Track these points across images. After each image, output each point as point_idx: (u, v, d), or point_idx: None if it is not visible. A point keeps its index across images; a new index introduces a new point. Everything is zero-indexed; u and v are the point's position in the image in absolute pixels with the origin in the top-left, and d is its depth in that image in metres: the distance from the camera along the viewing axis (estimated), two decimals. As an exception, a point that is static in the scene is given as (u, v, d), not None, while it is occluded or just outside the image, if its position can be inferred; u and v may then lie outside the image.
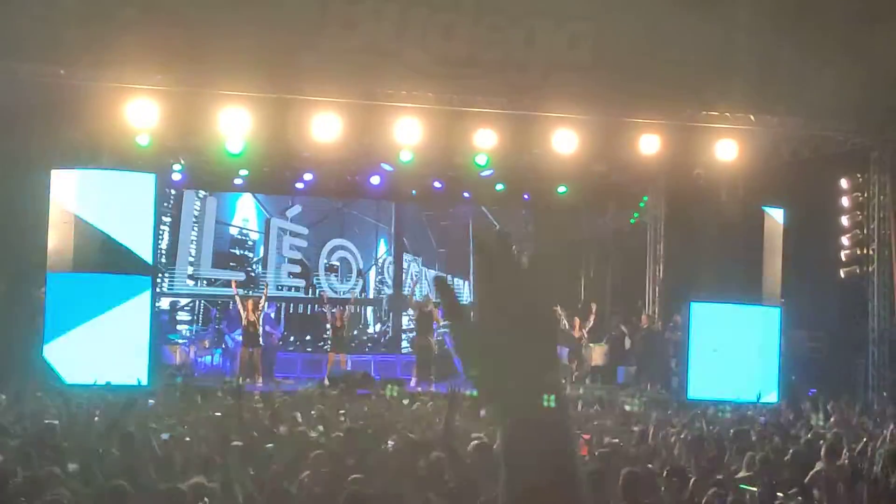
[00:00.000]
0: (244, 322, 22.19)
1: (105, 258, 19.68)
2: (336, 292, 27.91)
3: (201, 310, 26.82)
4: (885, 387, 21.25)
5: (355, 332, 26.56)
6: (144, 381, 19.31)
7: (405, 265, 29.70)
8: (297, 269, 28.66)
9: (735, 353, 21.46)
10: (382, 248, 29.66)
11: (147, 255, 20.21)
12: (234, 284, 23.59)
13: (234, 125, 19.96)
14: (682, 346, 22.73)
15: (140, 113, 19.51)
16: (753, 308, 21.96)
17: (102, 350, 19.04)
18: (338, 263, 28.98)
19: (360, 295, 28.66)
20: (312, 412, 14.42)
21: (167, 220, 26.21)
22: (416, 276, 29.48)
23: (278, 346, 24.38)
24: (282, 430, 12.78)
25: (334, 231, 29.04)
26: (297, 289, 28.50)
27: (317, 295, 27.90)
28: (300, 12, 19.31)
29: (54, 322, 19.55)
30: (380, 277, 29.64)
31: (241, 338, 22.51)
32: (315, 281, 28.52)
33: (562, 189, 25.88)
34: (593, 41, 19.85)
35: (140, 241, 20.10)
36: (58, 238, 19.68)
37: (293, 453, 10.52)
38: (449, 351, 23.04)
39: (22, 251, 20.27)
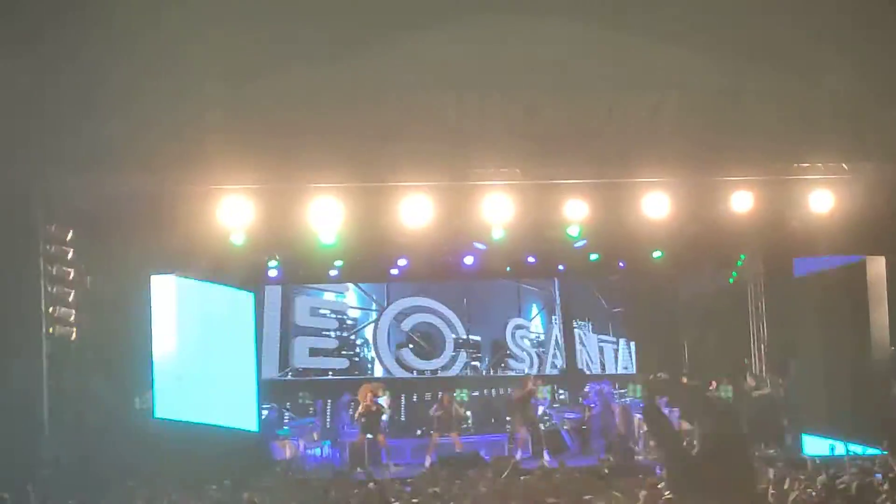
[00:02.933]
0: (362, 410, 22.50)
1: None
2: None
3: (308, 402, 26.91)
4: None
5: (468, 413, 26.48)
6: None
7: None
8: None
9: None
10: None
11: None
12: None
13: (326, 217, 20.14)
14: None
15: (233, 212, 19.80)
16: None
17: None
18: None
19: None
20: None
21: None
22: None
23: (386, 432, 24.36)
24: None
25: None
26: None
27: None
28: (385, 105, 19.54)
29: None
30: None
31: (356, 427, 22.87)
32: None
33: (657, 254, 25.63)
34: (676, 107, 19.80)
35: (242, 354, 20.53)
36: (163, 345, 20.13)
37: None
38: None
39: (128, 356, 20.61)
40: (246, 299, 21.74)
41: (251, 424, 21.57)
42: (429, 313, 28.97)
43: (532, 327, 29.74)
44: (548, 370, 29.31)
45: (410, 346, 28.64)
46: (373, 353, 28.38)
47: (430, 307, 28.94)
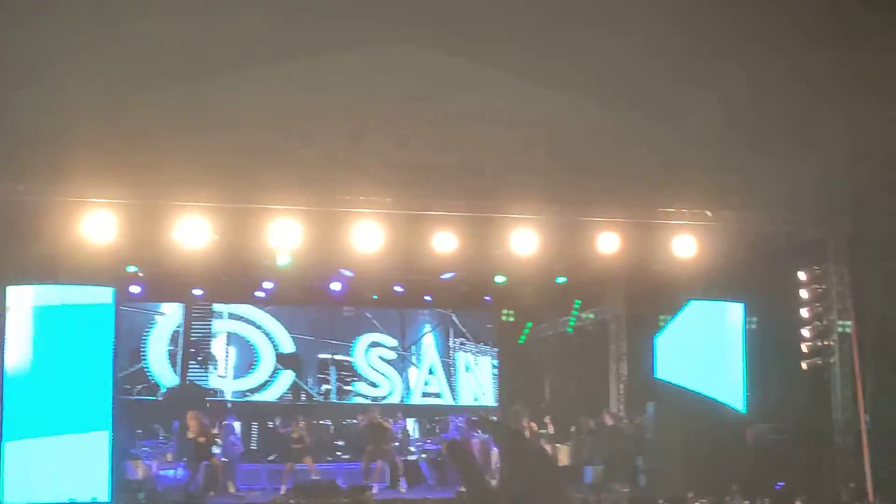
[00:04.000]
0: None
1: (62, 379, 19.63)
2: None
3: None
4: (851, 477, 21.18)
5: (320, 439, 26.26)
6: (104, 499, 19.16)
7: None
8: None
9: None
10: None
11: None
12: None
13: (192, 236, 19.88)
14: (648, 442, 22.72)
15: (97, 226, 19.42)
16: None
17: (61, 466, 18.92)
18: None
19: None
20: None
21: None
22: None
23: (240, 457, 24.05)
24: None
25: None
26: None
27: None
28: (257, 126, 19.45)
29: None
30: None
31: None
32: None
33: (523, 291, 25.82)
34: (547, 143, 20.04)
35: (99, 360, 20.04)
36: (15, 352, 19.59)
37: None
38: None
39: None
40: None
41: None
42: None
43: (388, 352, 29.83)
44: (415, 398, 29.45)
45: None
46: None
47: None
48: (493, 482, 22.54)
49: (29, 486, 18.94)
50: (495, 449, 23.44)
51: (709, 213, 21.41)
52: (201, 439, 21.84)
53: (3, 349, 19.55)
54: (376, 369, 29.57)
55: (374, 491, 21.93)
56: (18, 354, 19.58)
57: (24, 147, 18.19)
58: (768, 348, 22.62)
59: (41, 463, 19.14)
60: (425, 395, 29.90)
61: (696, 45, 19.33)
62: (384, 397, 29.16)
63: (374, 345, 29.70)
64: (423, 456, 25.78)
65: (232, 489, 22.16)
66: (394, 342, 29.87)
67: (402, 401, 29.30)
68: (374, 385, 29.43)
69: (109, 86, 18.52)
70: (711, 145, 19.98)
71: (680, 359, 22.30)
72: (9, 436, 19.27)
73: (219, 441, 22.68)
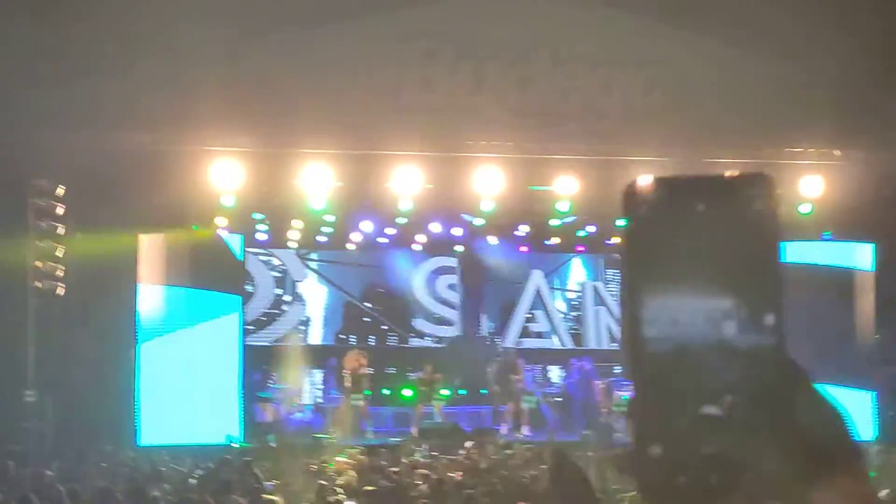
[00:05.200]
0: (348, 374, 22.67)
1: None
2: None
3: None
4: None
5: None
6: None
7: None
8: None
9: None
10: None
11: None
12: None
13: (317, 183, 20.17)
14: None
15: (224, 174, 19.81)
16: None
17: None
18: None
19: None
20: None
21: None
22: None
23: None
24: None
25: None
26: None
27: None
28: (379, 72, 19.60)
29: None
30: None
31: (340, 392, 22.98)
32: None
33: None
34: (670, 85, 19.82)
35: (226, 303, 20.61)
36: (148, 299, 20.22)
37: None
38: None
39: (114, 313, 20.63)
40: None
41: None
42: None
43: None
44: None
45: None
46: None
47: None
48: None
49: (163, 429, 19.56)
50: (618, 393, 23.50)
51: (837, 153, 20.99)
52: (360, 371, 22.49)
53: (137, 292, 20.17)
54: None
55: (504, 432, 22.13)
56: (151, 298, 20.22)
57: (150, 97, 18.55)
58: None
59: (174, 404, 19.75)
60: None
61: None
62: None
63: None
64: (545, 401, 25.71)
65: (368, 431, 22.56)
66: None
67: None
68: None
69: (230, 33, 18.78)
70: (838, 85, 19.53)
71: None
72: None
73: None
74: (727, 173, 1.26)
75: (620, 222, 1.35)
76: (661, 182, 1.30)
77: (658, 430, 1.28)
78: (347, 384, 22.88)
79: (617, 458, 1.60)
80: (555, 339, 29.56)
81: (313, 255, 28.42)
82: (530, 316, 29.48)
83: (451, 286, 28.89)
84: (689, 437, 1.28)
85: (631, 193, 1.29)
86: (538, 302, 29.55)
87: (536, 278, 29.45)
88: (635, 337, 1.25)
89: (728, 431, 1.25)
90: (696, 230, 1.23)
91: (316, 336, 28.07)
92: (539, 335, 29.47)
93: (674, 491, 1.28)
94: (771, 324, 1.22)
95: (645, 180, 1.31)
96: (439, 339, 28.68)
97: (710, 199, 1.24)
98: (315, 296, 28.40)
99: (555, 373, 28.37)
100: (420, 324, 28.90)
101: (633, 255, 1.28)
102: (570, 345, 29.34)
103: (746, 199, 1.23)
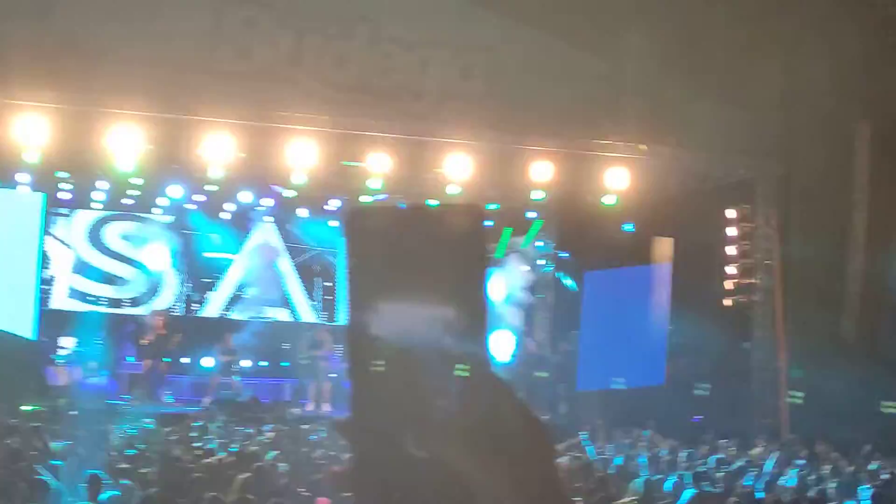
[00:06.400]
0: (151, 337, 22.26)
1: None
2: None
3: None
4: (767, 413, 21.66)
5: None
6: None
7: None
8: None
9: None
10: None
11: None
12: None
13: (126, 144, 19.74)
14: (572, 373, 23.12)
15: (29, 129, 19.23)
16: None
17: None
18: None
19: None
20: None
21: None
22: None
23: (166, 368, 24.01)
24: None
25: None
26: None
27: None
28: (195, 34, 19.30)
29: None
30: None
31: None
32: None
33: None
34: (486, 71, 20.08)
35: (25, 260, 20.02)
36: None
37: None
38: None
39: None
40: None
41: (26, 331, 21.13)
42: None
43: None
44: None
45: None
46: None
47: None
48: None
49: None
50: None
51: (643, 147, 21.56)
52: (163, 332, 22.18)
53: None
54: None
55: (307, 409, 22.17)
56: None
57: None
58: (693, 284, 22.89)
59: None
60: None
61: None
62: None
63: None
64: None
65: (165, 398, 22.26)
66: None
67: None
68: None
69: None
70: (648, 81, 20.11)
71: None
72: None
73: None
74: (439, 204, 1.34)
75: (343, 242, 1.40)
76: (380, 209, 1.38)
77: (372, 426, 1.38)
78: (146, 348, 22.52)
79: (339, 424, 1.69)
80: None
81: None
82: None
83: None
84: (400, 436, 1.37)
85: (351, 218, 1.35)
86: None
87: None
88: (355, 345, 1.33)
89: (435, 438, 1.35)
90: (409, 255, 1.30)
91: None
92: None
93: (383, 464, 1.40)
94: (475, 342, 1.30)
95: (364, 206, 1.39)
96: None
97: (424, 227, 1.31)
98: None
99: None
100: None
101: (352, 275, 1.35)
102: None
103: (457, 227, 1.31)
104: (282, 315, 27.71)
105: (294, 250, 28.07)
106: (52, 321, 23.46)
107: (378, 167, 20.90)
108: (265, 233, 27.49)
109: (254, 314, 26.74)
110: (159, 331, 23.02)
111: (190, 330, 25.37)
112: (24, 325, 20.42)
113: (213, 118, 19.93)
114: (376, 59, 20.21)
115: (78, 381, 22.79)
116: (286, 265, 27.94)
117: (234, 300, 27.54)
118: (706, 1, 19.39)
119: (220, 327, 25.81)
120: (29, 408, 19.01)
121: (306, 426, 18.02)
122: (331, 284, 28.06)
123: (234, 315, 27.07)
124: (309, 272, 28.16)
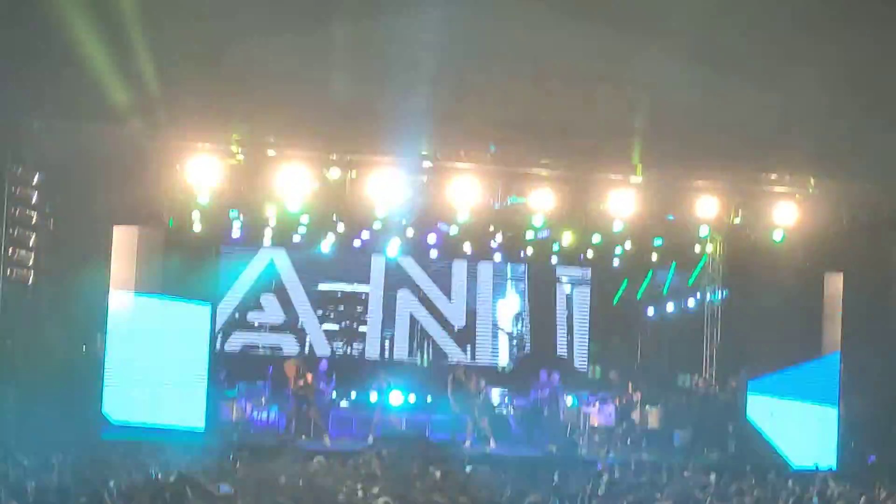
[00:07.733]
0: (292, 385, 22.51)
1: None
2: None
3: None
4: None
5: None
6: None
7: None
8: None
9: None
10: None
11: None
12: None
13: (293, 184, 20.20)
14: (739, 410, 22.64)
15: (200, 171, 19.81)
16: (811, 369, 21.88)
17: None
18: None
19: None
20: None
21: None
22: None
23: (331, 403, 24.17)
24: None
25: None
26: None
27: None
28: (360, 78, 19.60)
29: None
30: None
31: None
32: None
33: (619, 251, 25.62)
34: (650, 106, 19.92)
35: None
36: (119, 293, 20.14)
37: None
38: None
39: (84, 305, 20.53)
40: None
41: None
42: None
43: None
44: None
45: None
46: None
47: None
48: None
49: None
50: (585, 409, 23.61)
51: (812, 181, 21.18)
52: (300, 383, 22.22)
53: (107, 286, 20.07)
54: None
55: (466, 445, 22.15)
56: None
57: (129, 91, 18.48)
58: (867, 319, 22.31)
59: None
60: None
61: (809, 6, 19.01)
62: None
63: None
64: (511, 412, 25.52)
65: (325, 436, 22.35)
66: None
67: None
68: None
69: (209, 32, 18.73)
70: (816, 113, 19.69)
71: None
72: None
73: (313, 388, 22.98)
74: None
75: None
76: None
77: None
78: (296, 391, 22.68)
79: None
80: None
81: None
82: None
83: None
84: None
85: None
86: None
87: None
88: None
89: None
90: None
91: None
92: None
93: None
94: None
95: None
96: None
97: None
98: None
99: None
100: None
101: None
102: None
103: None
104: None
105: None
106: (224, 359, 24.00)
107: (541, 204, 20.95)
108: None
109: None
110: (321, 369, 23.41)
111: (349, 369, 25.84)
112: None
113: (377, 156, 20.33)
114: (539, 96, 20.23)
115: (248, 416, 23.23)
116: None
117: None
118: (876, 29, 18.86)
119: (381, 365, 26.18)
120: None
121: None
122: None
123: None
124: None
